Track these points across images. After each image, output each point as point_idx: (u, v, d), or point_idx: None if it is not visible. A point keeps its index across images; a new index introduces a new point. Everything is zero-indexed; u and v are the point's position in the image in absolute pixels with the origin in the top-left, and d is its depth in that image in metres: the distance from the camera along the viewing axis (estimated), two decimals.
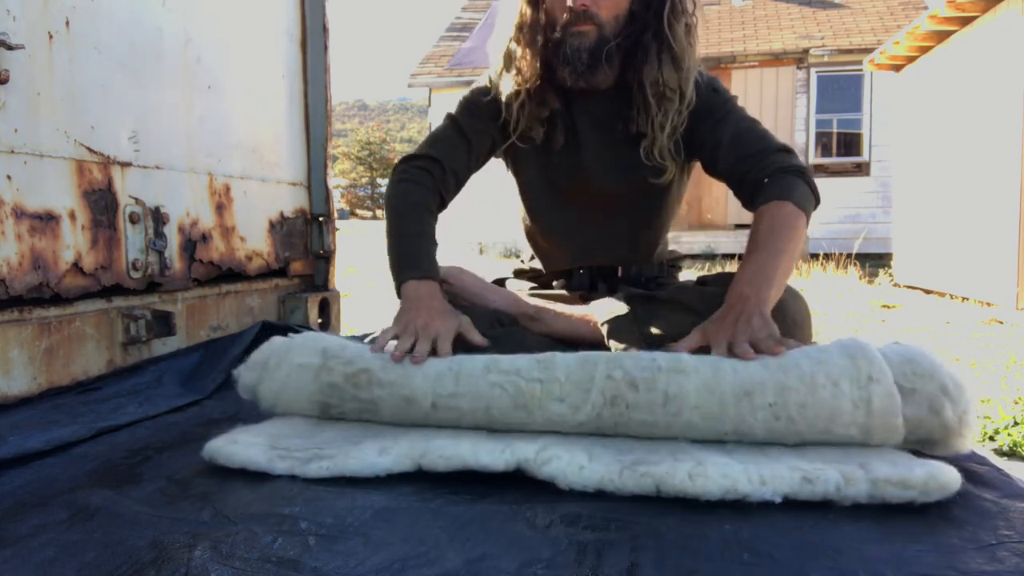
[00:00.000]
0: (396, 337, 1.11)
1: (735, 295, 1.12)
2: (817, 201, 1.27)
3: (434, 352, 1.07)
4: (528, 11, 1.37)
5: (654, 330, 1.25)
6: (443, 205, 1.40)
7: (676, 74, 1.33)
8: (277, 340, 1.13)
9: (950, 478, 0.80)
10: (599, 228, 1.50)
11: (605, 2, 1.31)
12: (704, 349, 1.05)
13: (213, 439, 0.97)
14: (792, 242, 1.18)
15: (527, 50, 1.36)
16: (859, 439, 0.90)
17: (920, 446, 0.92)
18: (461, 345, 1.14)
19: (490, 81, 1.45)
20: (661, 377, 0.94)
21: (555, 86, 1.39)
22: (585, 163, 1.44)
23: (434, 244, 1.32)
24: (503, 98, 1.40)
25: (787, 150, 1.32)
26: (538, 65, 1.36)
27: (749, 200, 1.30)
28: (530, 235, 1.59)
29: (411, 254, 1.28)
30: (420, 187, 1.36)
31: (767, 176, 1.26)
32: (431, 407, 1.00)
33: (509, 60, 1.38)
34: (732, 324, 1.05)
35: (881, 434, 0.90)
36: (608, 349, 1.27)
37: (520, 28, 1.37)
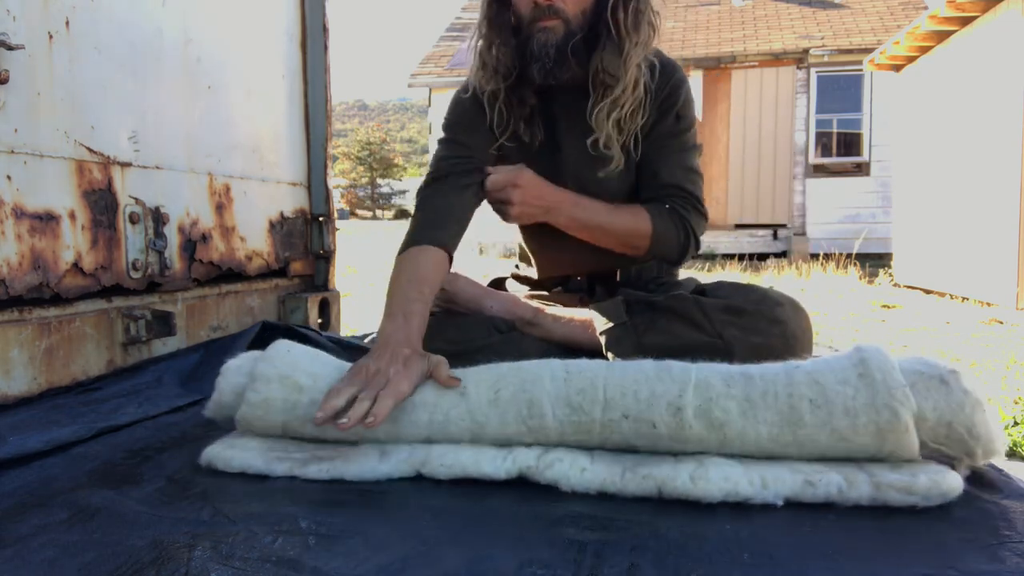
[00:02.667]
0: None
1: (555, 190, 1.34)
2: (682, 251, 1.39)
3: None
4: (492, 8, 1.35)
5: (652, 340, 1.24)
6: (477, 198, 1.38)
7: (616, 59, 1.30)
8: (232, 382, 1.05)
9: (952, 485, 0.80)
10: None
11: None
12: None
13: (211, 445, 0.97)
14: (618, 224, 1.35)
15: (501, 48, 1.34)
16: (871, 452, 0.86)
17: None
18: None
19: (469, 83, 1.43)
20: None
21: (530, 83, 1.37)
22: (564, 160, 1.43)
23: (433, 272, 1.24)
24: (484, 99, 1.39)
25: (693, 197, 1.40)
26: (514, 62, 1.34)
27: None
28: (527, 243, 1.57)
29: (402, 294, 1.18)
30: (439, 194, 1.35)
31: (665, 202, 1.37)
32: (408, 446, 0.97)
33: (485, 59, 1.37)
34: (513, 177, 1.29)
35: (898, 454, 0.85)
36: (606, 359, 1.26)
37: (489, 26, 1.35)
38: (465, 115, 1.44)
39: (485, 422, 0.93)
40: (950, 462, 0.85)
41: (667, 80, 1.38)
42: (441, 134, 1.47)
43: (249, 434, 1.01)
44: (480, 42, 1.37)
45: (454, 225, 1.30)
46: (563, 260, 1.52)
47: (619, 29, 1.29)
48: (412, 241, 1.27)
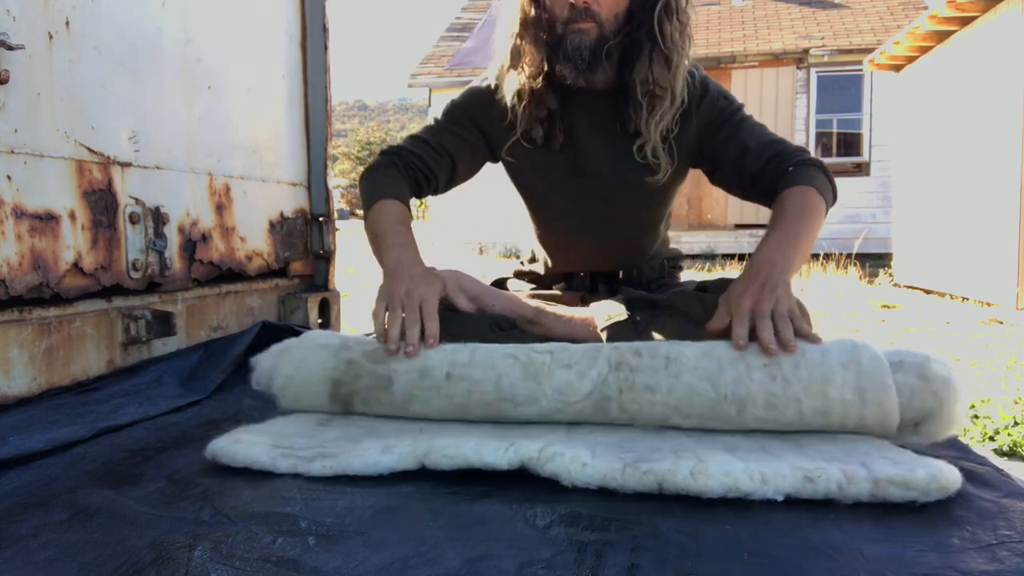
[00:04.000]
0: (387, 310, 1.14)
1: (762, 260, 1.13)
2: (835, 197, 1.30)
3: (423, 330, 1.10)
4: (530, 7, 1.35)
5: (654, 337, 1.25)
6: (419, 188, 1.43)
7: (666, 72, 1.32)
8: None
9: (951, 479, 0.80)
10: (600, 230, 1.49)
11: (606, 0, 1.30)
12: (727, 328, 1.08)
13: (216, 439, 0.97)
14: (814, 225, 1.22)
15: (531, 47, 1.35)
16: (857, 405, 0.93)
17: (918, 432, 0.95)
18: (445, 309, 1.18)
19: (493, 79, 1.44)
20: (662, 345, 1.03)
21: (553, 85, 1.39)
22: (583, 162, 1.43)
23: (406, 202, 1.37)
24: (508, 98, 1.39)
25: (802, 149, 1.36)
26: (542, 62, 1.35)
27: (769, 191, 1.32)
28: (539, 239, 1.59)
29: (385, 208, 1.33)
30: (389, 169, 1.41)
31: (791, 165, 1.30)
32: (445, 378, 1.03)
33: (516, 57, 1.37)
34: (757, 292, 1.07)
35: (876, 397, 0.92)
36: None
37: (524, 25, 1.35)
38: (472, 108, 1.45)
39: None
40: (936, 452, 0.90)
41: (694, 80, 1.39)
42: (445, 113, 1.48)
43: (256, 430, 1.01)
44: (512, 40, 1.37)
45: (406, 190, 1.40)
46: (578, 258, 1.56)
47: (666, 40, 1.30)
48: (381, 196, 1.35)
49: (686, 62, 1.34)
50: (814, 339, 1.01)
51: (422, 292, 1.13)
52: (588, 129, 1.43)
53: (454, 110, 1.48)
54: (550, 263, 1.59)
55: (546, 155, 1.44)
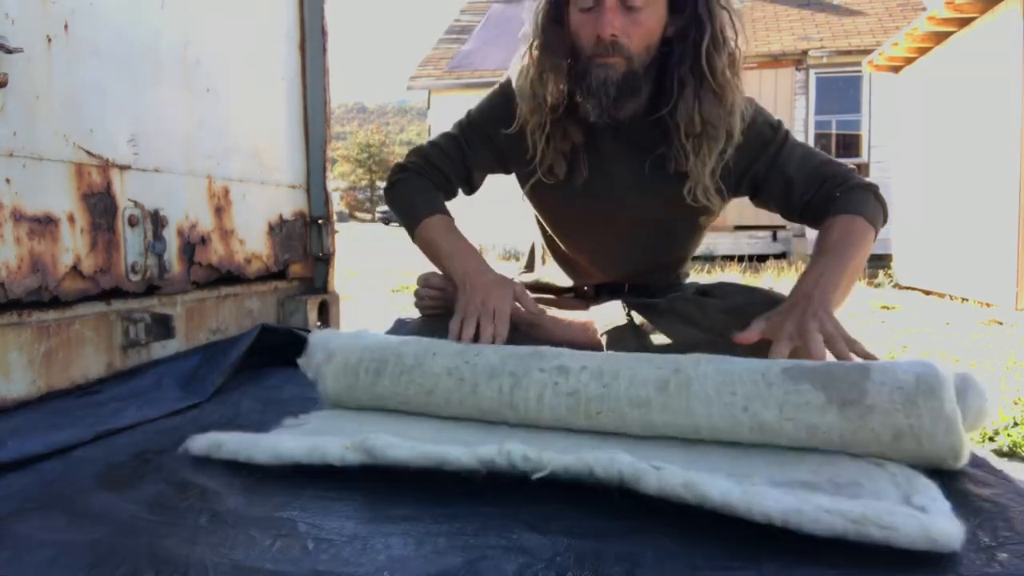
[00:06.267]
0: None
1: (800, 294, 1.10)
2: (886, 218, 1.27)
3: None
4: (551, 31, 1.25)
5: (654, 341, 1.24)
6: (446, 192, 1.43)
7: (719, 110, 1.21)
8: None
9: (946, 534, 0.68)
10: (629, 264, 1.46)
11: (637, 32, 1.18)
12: (764, 344, 1.05)
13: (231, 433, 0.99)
14: (859, 255, 1.19)
15: (551, 75, 1.24)
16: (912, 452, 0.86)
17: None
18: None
19: (513, 103, 1.33)
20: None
21: (578, 116, 1.28)
22: (614, 198, 1.36)
23: (442, 204, 1.39)
24: (528, 128, 1.30)
25: (853, 171, 1.30)
26: (563, 91, 1.25)
27: (818, 215, 1.27)
28: (553, 254, 1.55)
29: (426, 211, 1.35)
30: (419, 177, 1.41)
31: (839, 191, 1.25)
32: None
33: (535, 88, 1.26)
34: (798, 318, 1.04)
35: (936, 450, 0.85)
36: None
37: (543, 50, 1.25)
38: (491, 127, 1.38)
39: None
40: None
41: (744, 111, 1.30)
42: (464, 127, 1.42)
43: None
44: (531, 68, 1.26)
45: (444, 204, 1.40)
46: (597, 278, 1.51)
47: (717, 76, 1.19)
48: (428, 213, 1.35)
49: (742, 99, 1.24)
50: (870, 356, 0.97)
51: (495, 302, 1.18)
52: (617, 162, 1.33)
53: (472, 126, 1.41)
54: (561, 280, 1.55)
55: (571, 187, 1.36)
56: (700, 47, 1.18)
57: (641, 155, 1.31)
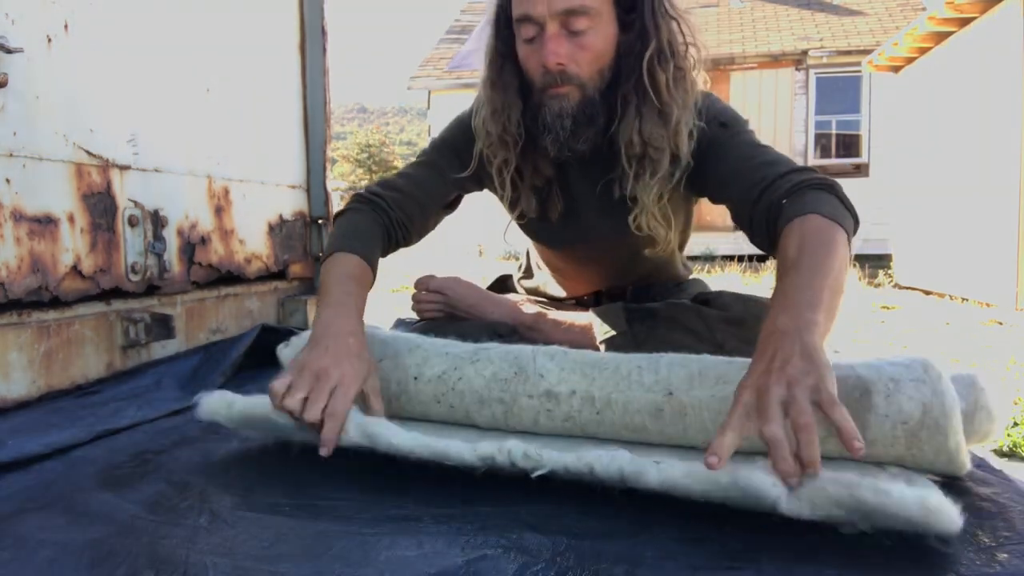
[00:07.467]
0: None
1: (766, 332, 0.81)
2: (855, 218, 1.02)
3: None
4: (501, 65, 1.19)
5: (652, 349, 1.24)
6: (392, 240, 1.26)
7: (662, 130, 1.12)
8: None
9: (943, 505, 0.67)
10: (612, 272, 1.47)
11: (584, 56, 1.10)
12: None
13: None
14: (830, 257, 0.88)
15: (508, 114, 1.18)
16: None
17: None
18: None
19: (475, 131, 1.26)
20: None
21: (543, 152, 1.21)
22: (581, 227, 1.34)
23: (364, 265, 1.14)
24: (492, 169, 1.25)
25: (806, 169, 1.08)
26: (519, 128, 1.19)
27: (768, 232, 1.04)
28: (555, 264, 1.55)
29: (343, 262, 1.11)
30: (369, 215, 1.23)
31: (784, 197, 1.02)
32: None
33: (489, 127, 1.20)
34: (761, 376, 0.75)
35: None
36: None
37: (494, 87, 1.19)
38: (461, 154, 1.30)
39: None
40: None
41: (700, 116, 1.18)
42: (432, 146, 1.35)
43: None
44: (484, 107, 1.21)
45: (377, 248, 1.20)
46: (584, 289, 1.53)
47: (660, 93, 1.11)
48: (347, 250, 1.13)
49: (690, 114, 1.14)
50: (849, 434, 0.69)
51: (338, 379, 0.88)
52: (586, 194, 1.29)
53: (442, 151, 1.32)
54: (566, 288, 1.56)
55: (546, 220, 1.34)
56: (642, 60, 1.11)
57: (597, 183, 1.26)
